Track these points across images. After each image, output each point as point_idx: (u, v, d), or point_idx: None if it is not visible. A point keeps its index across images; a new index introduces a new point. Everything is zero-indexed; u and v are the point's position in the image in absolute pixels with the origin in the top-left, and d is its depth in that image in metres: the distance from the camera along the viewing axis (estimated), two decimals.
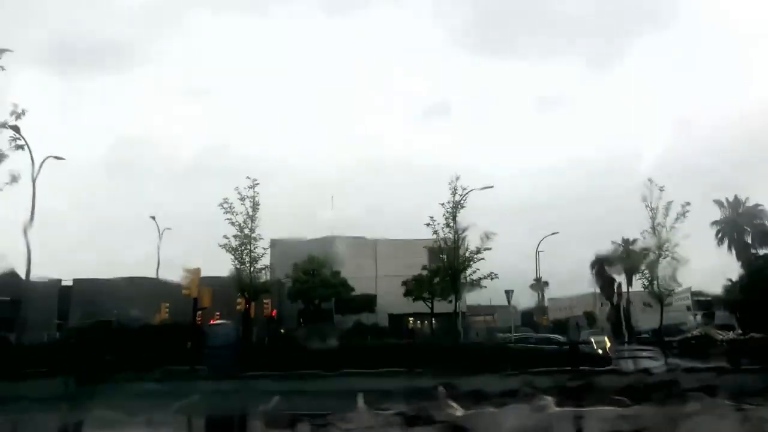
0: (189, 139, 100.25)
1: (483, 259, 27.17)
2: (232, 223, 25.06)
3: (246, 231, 25.15)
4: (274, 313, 38.54)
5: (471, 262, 27.41)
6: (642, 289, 31.43)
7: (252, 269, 25.25)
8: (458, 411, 7.98)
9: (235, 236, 25.02)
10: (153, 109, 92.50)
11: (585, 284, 63.68)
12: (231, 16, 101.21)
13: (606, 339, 31.62)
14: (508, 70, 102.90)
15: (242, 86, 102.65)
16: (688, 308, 49.25)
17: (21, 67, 69.45)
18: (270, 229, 29.97)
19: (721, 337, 28.82)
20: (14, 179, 20.34)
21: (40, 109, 57.05)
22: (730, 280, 41.60)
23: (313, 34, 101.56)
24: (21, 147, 22.58)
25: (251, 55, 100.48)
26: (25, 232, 24.16)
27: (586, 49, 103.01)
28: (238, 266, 25.13)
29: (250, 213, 25.15)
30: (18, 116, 21.35)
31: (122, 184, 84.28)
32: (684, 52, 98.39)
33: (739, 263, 40.03)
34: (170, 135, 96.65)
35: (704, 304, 48.83)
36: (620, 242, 55.03)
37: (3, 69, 20.71)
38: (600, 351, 25.67)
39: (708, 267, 43.00)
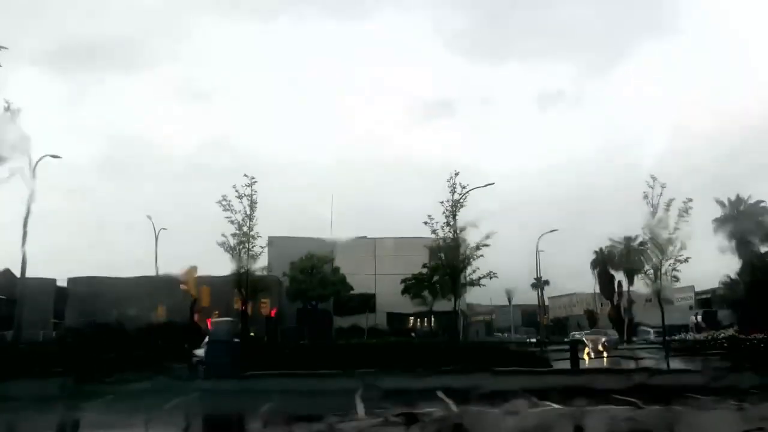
0: (188, 139, 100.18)
1: (482, 256, 26.88)
2: (231, 222, 24.84)
3: (244, 229, 24.91)
4: (274, 312, 38.31)
5: (471, 261, 27.12)
6: (645, 288, 31.14)
7: (250, 268, 24.99)
8: (457, 410, 7.81)
9: (233, 234, 24.79)
10: (152, 109, 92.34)
11: (586, 283, 63.55)
12: (231, 16, 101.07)
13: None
14: (509, 70, 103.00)
15: (242, 85, 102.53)
16: (691, 307, 49.15)
17: (21, 66, 69.32)
18: (269, 227, 29.80)
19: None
20: (12, 173, 20.09)
21: (39, 108, 56.91)
22: (730, 277, 41.43)
23: (314, 36, 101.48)
24: (15, 146, 22.35)
25: (251, 55, 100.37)
26: (23, 231, 23.98)
27: (587, 50, 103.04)
28: (236, 264, 24.88)
29: (248, 211, 24.90)
30: (14, 114, 21.11)
31: (121, 183, 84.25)
32: (684, 51, 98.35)
33: (741, 262, 39.75)
34: (169, 134, 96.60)
35: (706, 302, 48.68)
36: (621, 240, 54.88)
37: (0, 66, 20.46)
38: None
39: (709, 265, 42.73)
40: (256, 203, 24.94)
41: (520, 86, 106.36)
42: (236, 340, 22.20)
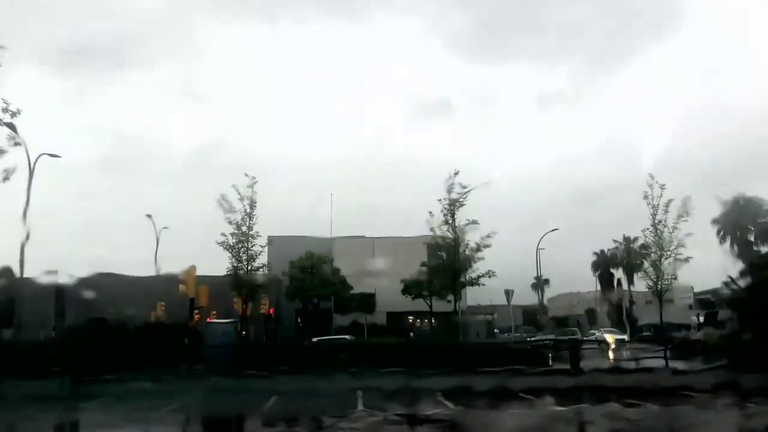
0: (188, 139, 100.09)
1: (482, 258, 26.90)
2: (230, 222, 24.84)
3: (244, 228, 24.92)
4: (272, 311, 38.25)
5: (471, 260, 27.12)
6: (645, 288, 31.16)
7: (249, 267, 24.98)
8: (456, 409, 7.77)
9: (232, 234, 24.79)
10: (152, 109, 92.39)
11: (586, 282, 63.58)
12: (230, 17, 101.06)
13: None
14: (508, 70, 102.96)
15: (242, 85, 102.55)
16: (690, 306, 49.01)
17: (21, 66, 69.16)
18: (268, 226, 29.80)
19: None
20: (7, 176, 19.95)
21: (39, 108, 56.78)
22: (731, 277, 41.27)
23: (314, 36, 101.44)
24: (17, 144, 22.25)
25: (251, 55, 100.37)
26: (25, 231, 23.90)
27: (587, 50, 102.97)
28: (235, 264, 24.86)
29: (248, 210, 24.92)
30: (13, 114, 20.98)
31: (120, 182, 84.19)
32: (684, 51, 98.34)
33: (741, 261, 39.68)
34: (169, 134, 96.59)
35: (706, 302, 48.49)
36: (621, 240, 54.87)
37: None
38: None
39: (710, 265, 42.63)
40: (255, 203, 25.03)
41: (520, 86, 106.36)
42: (233, 340, 22.23)
